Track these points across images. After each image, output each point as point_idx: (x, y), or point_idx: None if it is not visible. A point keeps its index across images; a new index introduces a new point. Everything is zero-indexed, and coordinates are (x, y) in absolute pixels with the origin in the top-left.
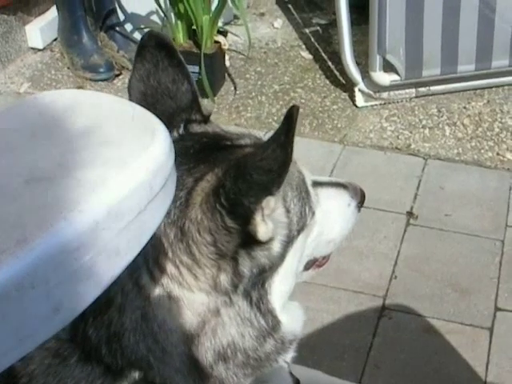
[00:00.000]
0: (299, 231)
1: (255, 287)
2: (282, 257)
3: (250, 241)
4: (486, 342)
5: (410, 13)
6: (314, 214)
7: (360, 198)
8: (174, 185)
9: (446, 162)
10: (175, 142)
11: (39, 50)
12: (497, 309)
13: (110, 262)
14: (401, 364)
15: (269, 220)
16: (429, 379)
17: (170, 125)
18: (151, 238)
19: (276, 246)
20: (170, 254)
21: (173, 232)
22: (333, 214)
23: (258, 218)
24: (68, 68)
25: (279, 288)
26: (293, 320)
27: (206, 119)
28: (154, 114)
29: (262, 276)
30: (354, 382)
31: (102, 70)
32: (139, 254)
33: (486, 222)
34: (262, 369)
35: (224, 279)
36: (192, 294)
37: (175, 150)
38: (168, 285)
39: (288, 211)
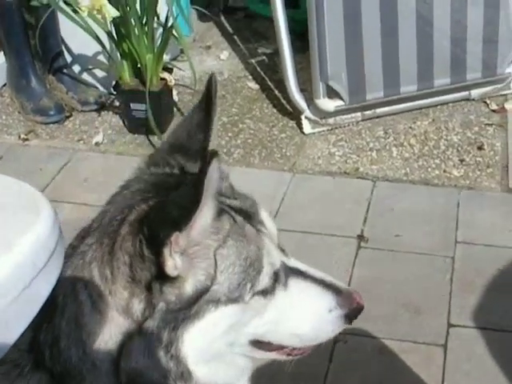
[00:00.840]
0: (231, 300)
1: (166, 328)
2: (195, 306)
3: (161, 274)
4: (441, 358)
5: (349, 38)
6: (257, 295)
7: (351, 310)
8: (61, 259)
9: (395, 182)
10: (161, 174)
11: None
12: (450, 325)
13: (1, 332)
14: None
15: (178, 257)
16: None
17: (167, 156)
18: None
19: (188, 289)
20: (99, 263)
21: (106, 242)
22: (303, 311)
23: (166, 251)
24: (19, 112)
25: (195, 343)
26: (221, 375)
27: None
28: (173, 136)
29: (174, 318)
30: None
31: (52, 112)
32: (82, 257)
33: (436, 239)
34: None
35: (136, 306)
36: (111, 311)
37: (155, 180)
38: (94, 295)
39: (218, 268)
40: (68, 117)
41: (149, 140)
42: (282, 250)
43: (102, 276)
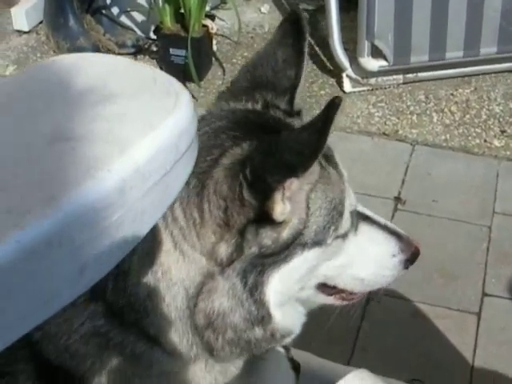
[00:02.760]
0: (316, 243)
1: (253, 271)
2: (286, 251)
3: (262, 218)
4: (474, 327)
5: None
6: (338, 238)
7: (411, 256)
8: (197, 150)
9: (434, 148)
10: (241, 111)
11: (25, 32)
12: (484, 294)
13: (135, 223)
14: (388, 348)
15: (288, 203)
16: (416, 363)
17: (250, 92)
18: None
19: (285, 234)
20: (184, 204)
21: (194, 183)
22: (369, 255)
23: (278, 196)
24: (54, 51)
25: (279, 286)
26: (288, 319)
27: (292, 113)
28: (251, 74)
29: (262, 262)
30: (343, 364)
31: (88, 53)
32: None
33: (473, 208)
34: (251, 352)
35: (223, 250)
36: (194, 253)
37: (237, 116)
38: (177, 235)
39: (309, 211)
40: None
41: (186, 86)
42: None
43: (189, 218)
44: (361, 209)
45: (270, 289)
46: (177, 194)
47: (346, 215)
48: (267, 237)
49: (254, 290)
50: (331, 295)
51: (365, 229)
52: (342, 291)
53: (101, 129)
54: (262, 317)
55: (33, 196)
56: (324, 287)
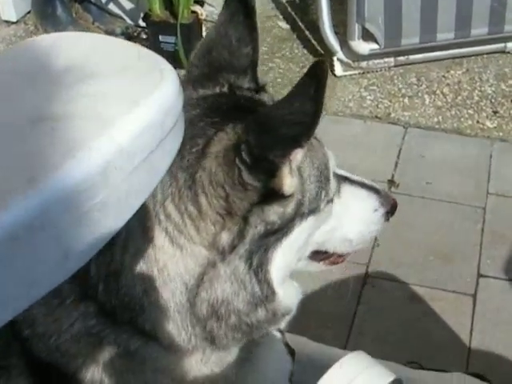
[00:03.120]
0: (311, 212)
1: (258, 251)
2: (290, 225)
3: (268, 197)
4: (470, 308)
5: None
6: (329, 202)
7: (390, 208)
8: (183, 127)
9: (426, 130)
10: (212, 96)
11: (13, 22)
12: (479, 275)
13: (120, 205)
14: (385, 331)
15: (295, 174)
16: (413, 346)
17: (213, 77)
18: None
19: (290, 208)
20: (176, 199)
21: (183, 177)
22: (355, 214)
23: (285, 170)
24: None
25: (281, 261)
26: (288, 296)
27: (259, 89)
28: (207, 59)
29: (267, 240)
30: (339, 349)
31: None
32: (152, 195)
33: (468, 189)
34: (251, 335)
35: (224, 238)
36: (194, 246)
37: (209, 102)
38: (172, 231)
39: (302, 181)
40: None
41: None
42: None
43: (184, 213)
44: (338, 170)
45: (274, 266)
46: (163, 174)
47: (331, 178)
48: (274, 213)
49: (259, 270)
50: (321, 261)
51: (346, 189)
52: (332, 255)
53: (82, 107)
54: (266, 296)
55: (13, 178)
56: (315, 254)
